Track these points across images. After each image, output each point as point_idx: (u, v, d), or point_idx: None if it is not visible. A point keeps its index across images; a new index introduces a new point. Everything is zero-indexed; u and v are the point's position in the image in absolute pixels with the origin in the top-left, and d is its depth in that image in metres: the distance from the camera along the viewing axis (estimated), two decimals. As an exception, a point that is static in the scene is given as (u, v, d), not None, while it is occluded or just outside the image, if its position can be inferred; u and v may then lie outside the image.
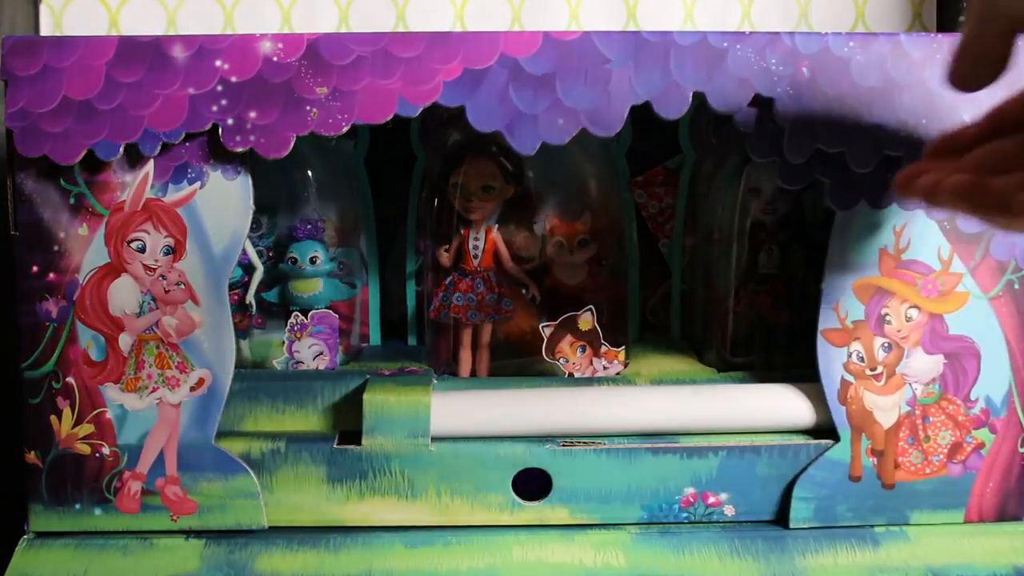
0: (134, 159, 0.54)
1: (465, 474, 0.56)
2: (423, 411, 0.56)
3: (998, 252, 0.56)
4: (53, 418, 0.55)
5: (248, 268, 0.63)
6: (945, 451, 0.56)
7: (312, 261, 0.63)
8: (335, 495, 0.56)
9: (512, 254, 0.64)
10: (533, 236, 0.66)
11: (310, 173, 0.65)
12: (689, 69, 0.53)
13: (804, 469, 0.56)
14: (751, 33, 0.53)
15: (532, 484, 0.57)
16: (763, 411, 0.59)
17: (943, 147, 0.44)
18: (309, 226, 0.63)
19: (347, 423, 0.58)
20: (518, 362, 0.65)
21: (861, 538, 0.56)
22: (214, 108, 0.52)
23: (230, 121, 0.52)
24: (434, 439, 0.56)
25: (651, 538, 0.56)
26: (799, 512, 0.56)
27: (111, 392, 0.55)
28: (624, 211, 0.68)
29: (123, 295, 0.55)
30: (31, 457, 0.56)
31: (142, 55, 0.53)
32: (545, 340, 0.63)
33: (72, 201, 0.54)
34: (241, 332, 0.63)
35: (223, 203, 0.54)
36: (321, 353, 0.63)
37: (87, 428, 0.55)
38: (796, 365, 0.63)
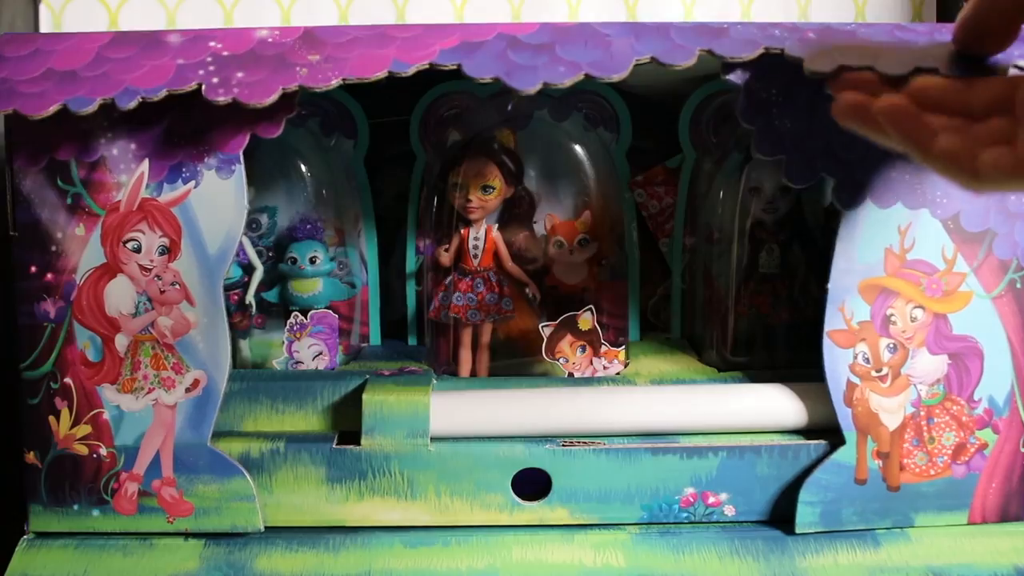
0: (115, 121, 0.53)
1: (464, 474, 0.56)
2: (422, 411, 0.56)
3: (1000, 251, 0.55)
4: (52, 419, 0.55)
5: (248, 268, 0.63)
6: (949, 452, 0.56)
7: (312, 261, 0.62)
8: (334, 495, 0.56)
9: (512, 254, 0.64)
10: (533, 236, 0.65)
11: (310, 173, 0.65)
12: (691, 36, 0.52)
13: (809, 471, 0.56)
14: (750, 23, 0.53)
15: (531, 484, 0.57)
16: (763, 411, 0.58)
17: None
18: (309, 226, 0.63)
19: (346, 423, 0.58)
20: (518, 362, 0.65)
21: (862, 538, 0.56)
22: (200, 72, 0.51)
23: (215, 80, 0.51)
24: (433, 439, 0.56)
25: (651, 538, 0.56)
26: (805, 516, 0.56)
27: (108, 393, 0.55)
28: (624, 211, 0.68)
29: (119, 295, 0.54)
30: (31, 457, 0.56)
31: (136, 41, 0.52)
32: (545, 340, 0.63)
33: (69, 201, 0.54)
34: (241, 332, 0.63)
35: (217, 202, 0.54)
36: (321, 353, 0.63)
37: (84, 429, 0.55)
38: (796, 365, 0.63)
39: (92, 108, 0.51)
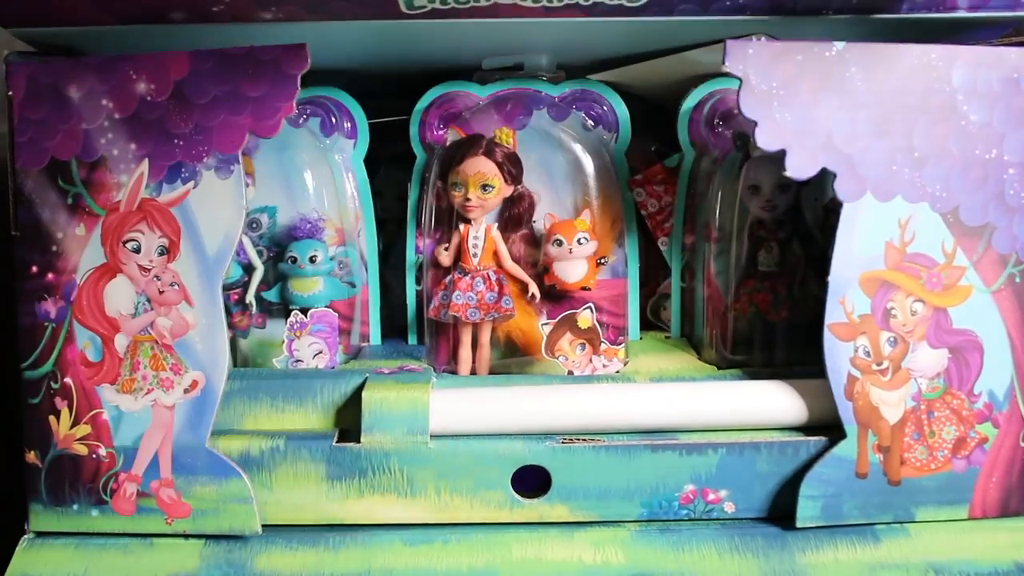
0: (115, 121, 0.54)
1: (464, 472, 0.56)
2: (422, 409, 0.56)
3: (1000, 245, 0.55)
4: (52, 418, 0.55)
5: (248, 267, 0.63)
6: (949, 446, 0.56)
7: (312, 260, 0.63)
8: (334, 493, 0.56)
9: (511, 253, 0.64)
10: (532, 235, 0.65)
11: (309, 172, 0.65)
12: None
13: (809, 466, 0.56)
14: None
15: (531, 481, 0.57)
16: (762, 408, 0.58)
17: None
18: (309, 225, 0.63)
19: (347, 421, 0.58)
20: (517, 360, 0.65)
21: (862, 534, 0.56)
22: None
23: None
24: (433, 437, 0.56)
25: (651, 535, 0.56)
26: (806, 510, 0.55)
27: (107, 393, 0.55)
28: (623, 209, 0.68)
29: (119, 296, 0.55)
30: (31, 457, 0.56)
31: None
32: (544, 338, 0.63)
33: (70, 201, 0.55)
34: (241, 331, 0.63)
35: (216, 202, 0.54)
36: (321, 352, 0.63)
37: (84, 429, 0.55)
38: (795, 362, 0.63)
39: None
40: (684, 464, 0.56)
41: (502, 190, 0.63)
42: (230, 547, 0.56)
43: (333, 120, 0.67)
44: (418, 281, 0.68)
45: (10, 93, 0.55)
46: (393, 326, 0.70)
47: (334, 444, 0.56)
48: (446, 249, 0.64)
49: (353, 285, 0.66)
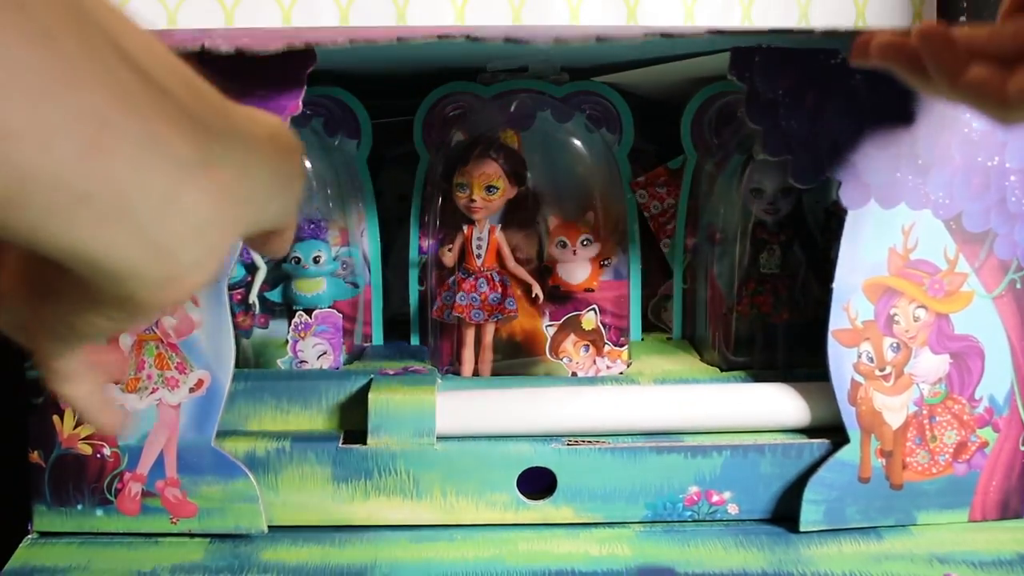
0: None
1: (470, 473, 0.56)
2: (428, 410, 0.56)
3: (1001, 252, 0.56)
4: (55, 418, 0.55)
5: (251, 268, 0.63)
6: (951, 451, 0.57)
7: (315, 261, 0.62)
8: (340, 494, 0.56)
9: (515, 254, 0.64)
10: (536, 236, 0.66)
11: (313, 173, 0.65)
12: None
13: (813, 470, 0.56)
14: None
15: (537, 483, 0.57)
16: (765, 410, 0.59)
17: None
18: (312, 226, 0.63)
19: (352, 422, 0.58)
20: (521, 362, 0.65)
21: (865, 532, 0.56)
22: (205, 40, 0.50)
23: (219, 40, 0.50)
24: (439, 438, 0.56)
25: (655, 536, 0.56)
26: (809, 515, 0.56)
27: (112, 392, 0.55)
28: (626, 211, 0.68)
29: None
30: (34, 457, 0.56)
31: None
32: (549, 339, 0.63)
33: (75, 200, 0.54)
34: (245, 332, 0.63)
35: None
36: (325, 352, 0.63)
37: (88, 428, 0.55)
38: (797, 364, 0.64)
39: None
40: (688, 466, 0.56)
41: (506, 191, 0.63)
42: (235, 544, 0.55)
43: (337, 120, 0.67)
44: (420, 281, 0.68)
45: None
46: (395, 326, 0.70)
47: (340, 446, 0.56)
48: (450, 250, 0.64)
49: (356, 285, 0.66)
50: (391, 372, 0.60)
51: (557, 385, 0.60)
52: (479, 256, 0.63)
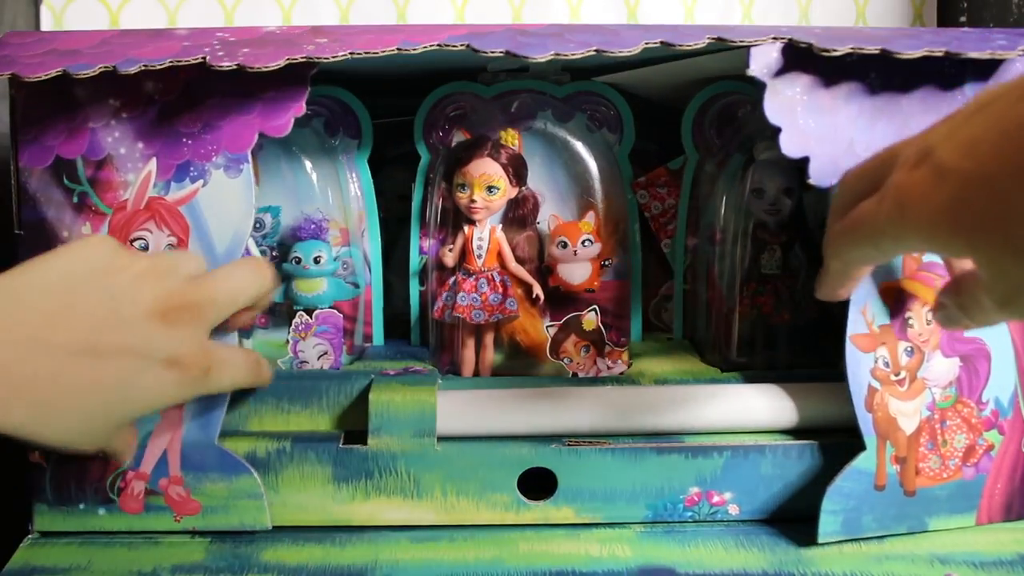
0: (122, 120, 0.54)
1: (471, 474, 0.56)
2: (429, 411, 0.56)
3: None
4: (56, 418, 0.55)
5: (251, 268, 0.63)
6: (960, 455, 0.56)
7: (316, 261, 0.62)
8: (341, 495, 0.56)
9: (516, 254, 0.64)
10: (536, 236, 0.66)
11: (314, 173, 0.65)
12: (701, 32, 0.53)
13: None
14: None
15: (537, 484, 0.57)
16: (766, 411, 0.59)
17: None
18: (313, 226, 0.63)
19: (352, 423, 0.58)
20: (521, 362, 0.65)
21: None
22: (206, 50, 0.52)
23: (220, 53, 0.51)
24: (439, 439, 0.56)
25: (655, 537, 0.56)
26: (827, 526, 0.55)
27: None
28: (627, 212, 0.68)
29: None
30: (35, 456, 0.56)
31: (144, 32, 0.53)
32: (550, 340, 0.63)
33: (75, 200, 0.54)
34: (245, 332, 0.63)
35: (225, 202, 0.54)
36: (325, 353, 0.63)
37: (90, 428, 0.55)
38: (798, 365, 0.64)
39: (92, 72, 0.50)
40: (689, 466, 0.56)
41: (507, 191, 0.63)
42: (236, 544, 0.55)
43: (338, 120, 0.67)
44: (421, 282, 0.68)
45: (12, 91, 0.54)
46: (395, 326, 0.70)
47: (341, 446, 0.56)
48: (450, 250, 0.64)
49: (357, 286, 0.66)
50: (392, 372, 0.60)
51: (557, 385, 0.60)
52: (480, 256, 0.63)
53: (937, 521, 0.56)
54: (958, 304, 0.44)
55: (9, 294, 0.45)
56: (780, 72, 0.53)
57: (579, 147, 0.66)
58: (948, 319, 0.47)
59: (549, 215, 0.65)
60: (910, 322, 0.55)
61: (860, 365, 0.55)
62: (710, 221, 0.67)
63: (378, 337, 0.69)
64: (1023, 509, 0.57)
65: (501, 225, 0.64)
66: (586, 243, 0.63)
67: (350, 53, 0.51)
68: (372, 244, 0.68)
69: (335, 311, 0.63)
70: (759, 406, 0.59)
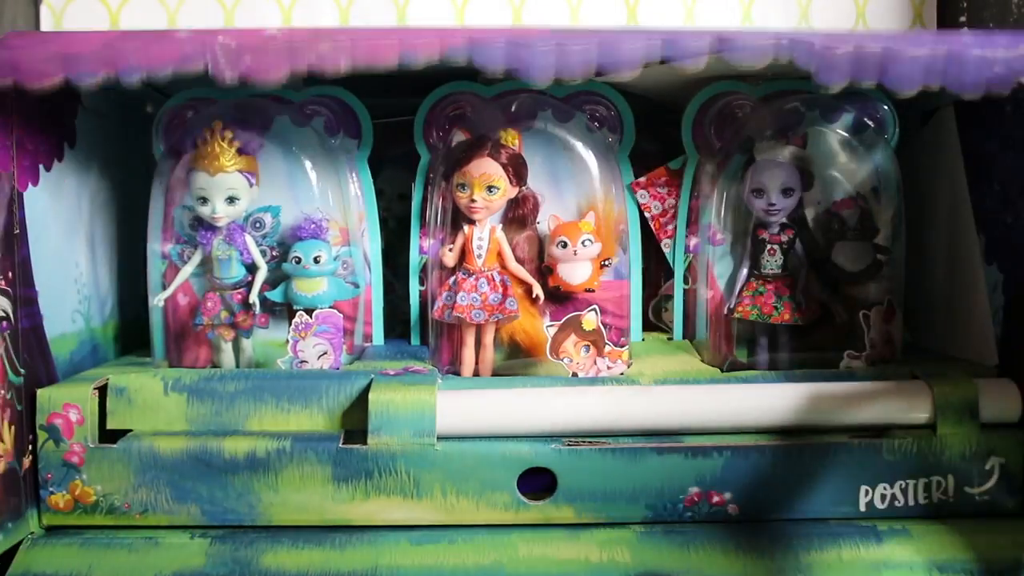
0: None
1: (470, 473, 0.56)
2: (428, 411, 0.56)
3: None
4: (56, 418, 0.55)
5: (252, 268, 0.63)
6: None
7: (316, 260, 0.62)
8: (340, 494, 0.56)
9: (516, 254, 0.64)
10: (536, 236, 0.66)
11: (314, 173, 0.65)
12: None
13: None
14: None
15: (537, 484, 0.57)
16: (766, 411, 0.59)
17: None
18: (313, 225, 0.63)
19: (352, 422, 0.58)
20: (521, 362, 0.65)
21: (864, 535, 0.56)
22: (207, 55, 0.51)
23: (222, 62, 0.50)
24: (439, 438, 0.56)
25: (655, 537, 0.56)
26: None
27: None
28: (627, 211, 0.68)
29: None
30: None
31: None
32: (549, 340, 0.63)
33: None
34: (245, 332, 0.63)
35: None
36: (325, 353, 0.63)
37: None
38: (798, 365, 0.63)
39: (96, 81, 0.50)
40: (689, 466, 0.56)
41: (507, 191, 0.63)
42: (235, 545, 0.55)
43: (338, 120, 0.67)
44: (421, 282, 0.68)
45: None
46: (395, 326, 0.70)
47: (340, 446, 0.56)
48: (450, 250, 0.64)
49: (357, 285, 0.66)
50: (391, 372, 0.60)
51: (557, 385, 0.60)
52: (480, 256, 0.63)
53: None
54: None
55: None
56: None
57: (579, 147, 0.66)
58: None
59: (549, 215, 0.65)
60: None
61: None
62: (710, 221, 0.68)
63: (378, 337, 0.69)
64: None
65: (501, 225, 0.64)
66: (586, 243, 0.63)
67: (352, 64, 0.50)
68: (372, 244, 0.68)
69: (335, 311, 0.63)
70: (759, 406, 0.59)
